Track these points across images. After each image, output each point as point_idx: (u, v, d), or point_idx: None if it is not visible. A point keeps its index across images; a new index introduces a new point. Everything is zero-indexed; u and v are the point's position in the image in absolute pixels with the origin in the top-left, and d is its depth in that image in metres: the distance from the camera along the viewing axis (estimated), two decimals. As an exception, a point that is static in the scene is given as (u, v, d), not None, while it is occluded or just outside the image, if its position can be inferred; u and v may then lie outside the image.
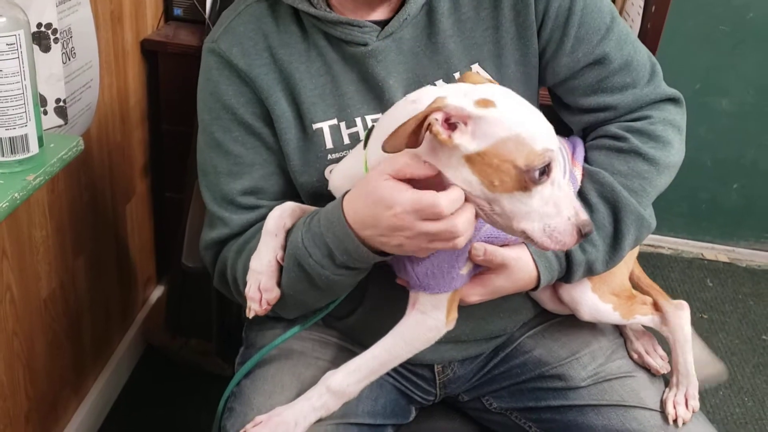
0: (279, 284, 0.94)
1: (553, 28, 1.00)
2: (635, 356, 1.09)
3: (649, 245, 2.79)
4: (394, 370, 1.09)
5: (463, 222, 0.79)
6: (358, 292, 1.03)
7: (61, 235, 1.48)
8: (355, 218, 0.84)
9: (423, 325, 0.93)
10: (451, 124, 0.77)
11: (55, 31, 1.11)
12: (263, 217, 0.97)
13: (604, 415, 1.03)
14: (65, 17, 1.26)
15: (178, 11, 1.88)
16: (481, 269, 0.96)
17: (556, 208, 0.79)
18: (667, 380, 1.07)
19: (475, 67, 1.01)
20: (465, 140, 0.77)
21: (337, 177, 0.95)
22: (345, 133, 0.99)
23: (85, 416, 1.68)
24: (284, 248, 0.93)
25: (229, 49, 0.99)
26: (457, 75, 1.00)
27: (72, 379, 1.63)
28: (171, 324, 1.90)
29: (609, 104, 1.02)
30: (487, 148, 0.77)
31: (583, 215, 0.80)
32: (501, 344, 1.12)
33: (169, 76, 1.84)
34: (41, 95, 1.12)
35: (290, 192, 1.03)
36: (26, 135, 0.99)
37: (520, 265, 0.95)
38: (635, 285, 1.12)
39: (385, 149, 0.77)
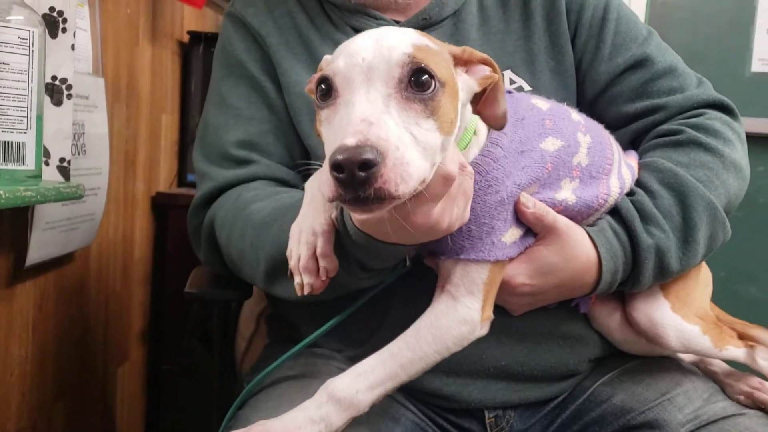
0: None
1: (588, 37, 0.97)
2: (742, 398, 0.88)
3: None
4: (433, 421, 0.87)
5: (451, 160, 0.69)
6: (380, 312, 0.86)
7: (43, 365, 1.28)
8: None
9: (453, 313, 0.76)
10: None
11: (69, 87, 1.07)
12: (254, 176, 0.94)
13: (718, 462, 0.80)
14: (80, 111, 1.23)
15: (191, 177, 1.87)
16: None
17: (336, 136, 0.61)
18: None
19: (507, 73, 0.96)
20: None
21: None
22: None
23: None
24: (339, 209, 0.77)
25: (244, 8, 1.03)
26: None
27: None
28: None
29: (657, 105, 0.95)
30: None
31: (349, 140, 0.58)
32: (570, 395, 0.91)
33: (177, 235, 1.78)
34: (45, 147, 1.05)
35: (286, 155, 0.99)
36: (24, 144, 0.90)
37: (573, 236, 0.81)
38: (715, 322, 0.94)
39: None
